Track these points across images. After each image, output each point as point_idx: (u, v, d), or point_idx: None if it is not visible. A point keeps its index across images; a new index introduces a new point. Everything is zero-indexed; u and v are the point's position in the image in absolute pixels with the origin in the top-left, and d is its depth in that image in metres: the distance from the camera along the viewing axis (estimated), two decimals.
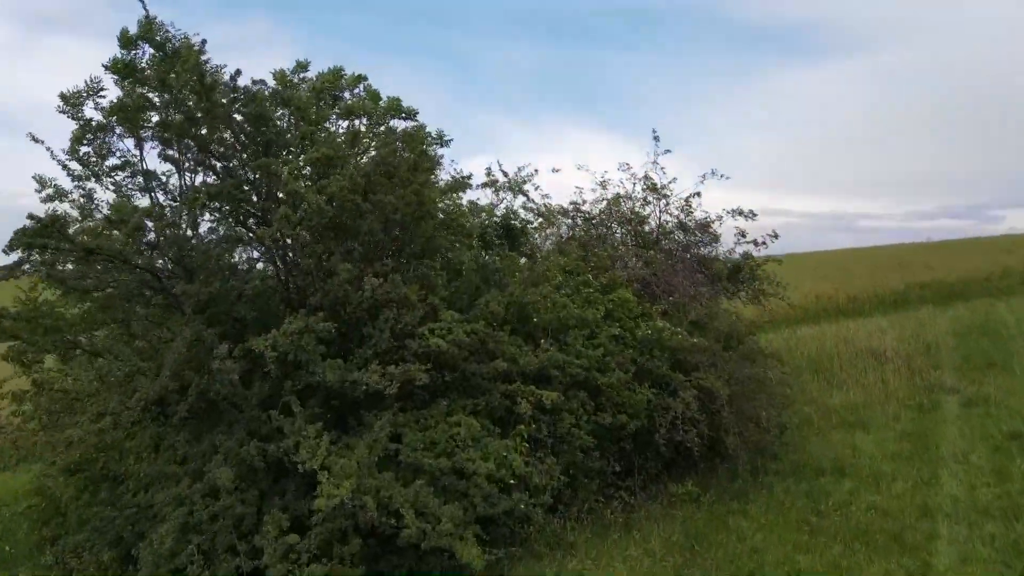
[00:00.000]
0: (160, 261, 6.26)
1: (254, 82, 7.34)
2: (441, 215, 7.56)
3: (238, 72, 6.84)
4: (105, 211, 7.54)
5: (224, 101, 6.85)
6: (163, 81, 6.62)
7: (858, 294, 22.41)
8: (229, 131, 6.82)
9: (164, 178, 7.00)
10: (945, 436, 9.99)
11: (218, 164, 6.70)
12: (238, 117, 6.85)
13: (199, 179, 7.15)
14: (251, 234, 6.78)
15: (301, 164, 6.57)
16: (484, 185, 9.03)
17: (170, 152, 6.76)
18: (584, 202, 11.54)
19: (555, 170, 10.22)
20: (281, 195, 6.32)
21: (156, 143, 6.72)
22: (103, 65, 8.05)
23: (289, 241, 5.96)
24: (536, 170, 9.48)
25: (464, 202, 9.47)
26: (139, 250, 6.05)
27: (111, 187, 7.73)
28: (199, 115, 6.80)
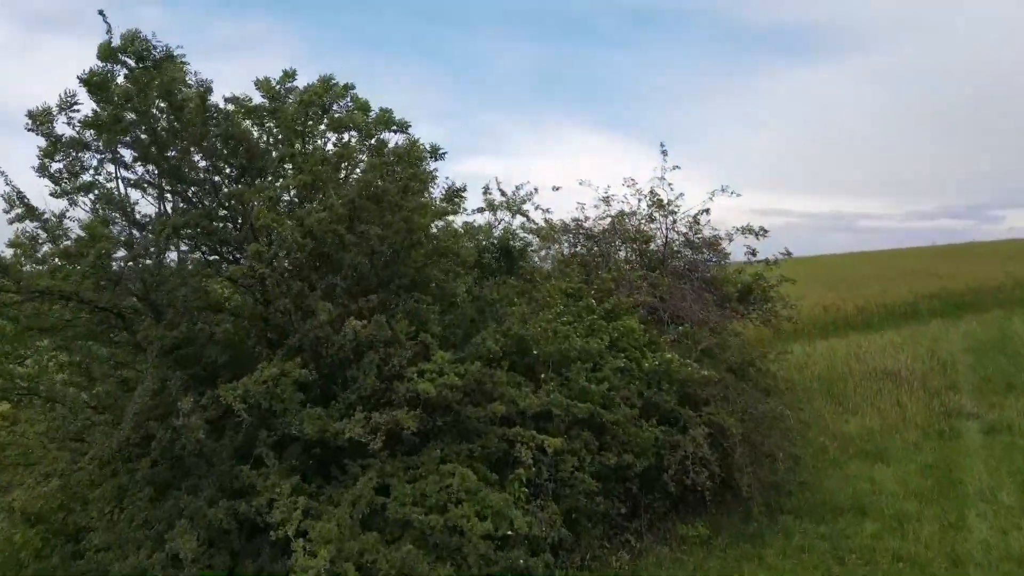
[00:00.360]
0: (126, 296, 5.68)
1: (226, 100, 6.77)
2: (434, 241, 6.98)
3: (208, 90, 6.27)
4: (78, 232, 7.04)
5: (196, 121, 6.28)
6: (128, 99, 6.05)
7: (866, 304, 21.85)
8: (200, 154, 6.25)
9: (132, 204, 6.41)
10: (970, 470, 9.43)
11: (190, 190, 6.13)
12: (211, 138, 6.28)
13: (171, 205, 6.58)
14: (226, 265, 6.23)
15: (278, 190, 5.99)
16: (480, 210, 8.49)
17: (132, 176, 6.20)
18: (586, 219, 11.03)
19: (555, 188, 9.72)
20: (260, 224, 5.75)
21: (120, 166, 6.15)
22: (78, 78, 7.53)
23: (265, 277, 5.39)
24: (536, 188, 8.95)
25: (459, 222, 8.92)
26: (100, 286, 5.48)
27: (85, 207, 7.20)
28: (167, 136, 6.25)
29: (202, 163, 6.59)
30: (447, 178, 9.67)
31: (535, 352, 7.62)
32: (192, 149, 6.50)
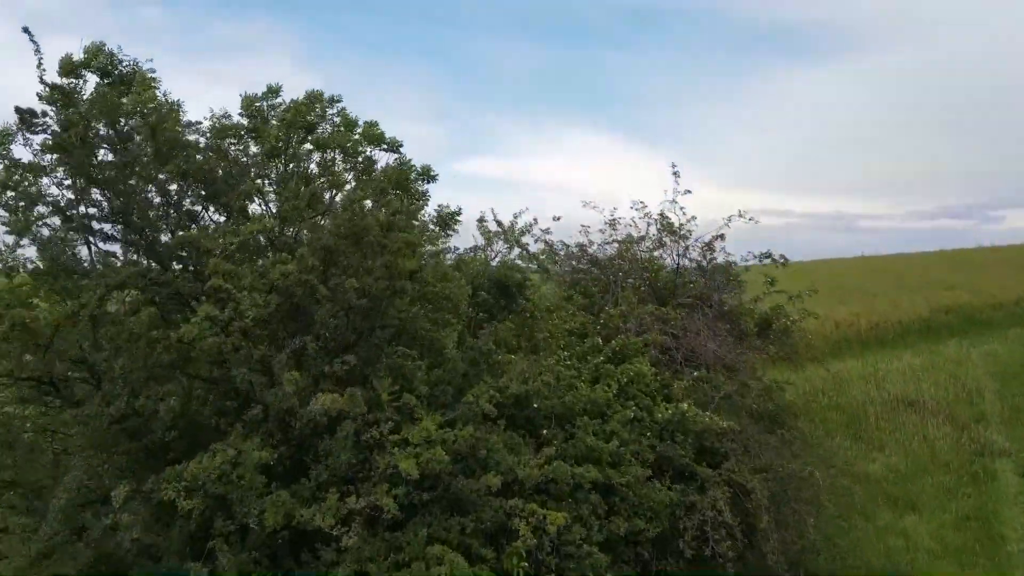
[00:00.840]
0: (57, 362, 4.88)
1: (186, 126, 5.99)
2: (421, 285, 6.17)
3: (163, 118, 5.48)
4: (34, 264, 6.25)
5: (147, 152, 5.49)
6: (65, 127, 5.25)
7: (879, 320, 21.00)
8: (154, 189, 5.46)
9: (75, 246, 5.61)
10: (1009, 522, 8.64)
11: (140, 232, 5.33)
12: (167, 172, 5.49)
13: (126, 246, 5.78)
14: (184, 315, 5.42)
15: (239, 237, 5.18)
16: (475, 248, 7.69)
17: (70, 218, 5.40)
18: (591, 244, 10.24)
19: (556, 218, 8.97)
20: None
21: (55, 207, 5.36)
22: (38, 95, 6.76)
23: (217, 346, 4.60)
24: (535, 219, 8.19)
25: (450, 256, 8.15)
26: (28, 350, 4.69)
27: (41, 239, 6.36)
28: (114, 170, 5.45)
29: (157, 199, 5.82)
30: (439, 206, 8.93)
31: (535, 405, 6.83)
32: (148, 185, 5.72)
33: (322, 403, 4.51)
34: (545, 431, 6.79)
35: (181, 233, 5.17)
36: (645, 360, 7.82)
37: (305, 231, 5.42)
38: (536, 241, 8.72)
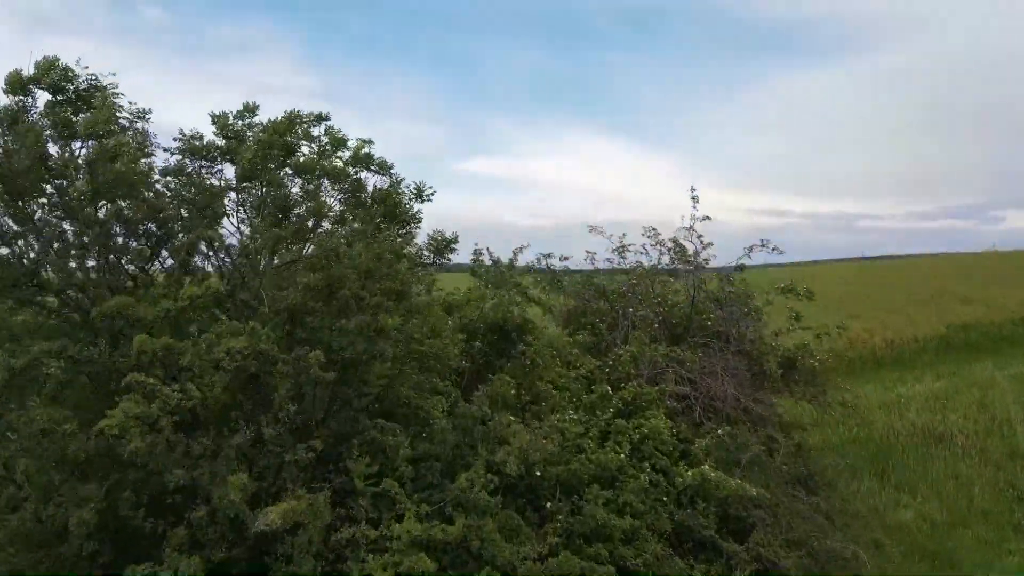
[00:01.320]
0: None
1: (147, 154, 5.13)
2: (405, 342, 5.30)
3: (103, 151, 4.62)
4: None
5: (86, 194, 4.64)
6: None
7: (895, 337, 20.14)
8: (88, 240, 4.60)
9: None
10: None
11: (58, 297, 4.47)
12: (105, 222, 4.63)
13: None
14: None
15: (175, 306, 4.28)
16: (469, 301, 6.83)
17: None
18: (598, 272, 9.38)
19: (564, 258, 8.16)
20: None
21: None
22: None
23: (143, 450, 3.74)
24: (537, 258, 7.35)
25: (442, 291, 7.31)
26: None
27: None
28: (43, 213, 4.60)
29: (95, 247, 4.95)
30: (434, 231, 8.09)
31: (538, 472, 5.98)
32: (86, 230, 4.86)
33: (273, 518, 3.67)
34: (549, 503, 5.95)
35: (111, 301, 4.27)
36: (660, 413, 6.97)
37: (265, 292, 4.54)
38: (537, 283, 7.86)
